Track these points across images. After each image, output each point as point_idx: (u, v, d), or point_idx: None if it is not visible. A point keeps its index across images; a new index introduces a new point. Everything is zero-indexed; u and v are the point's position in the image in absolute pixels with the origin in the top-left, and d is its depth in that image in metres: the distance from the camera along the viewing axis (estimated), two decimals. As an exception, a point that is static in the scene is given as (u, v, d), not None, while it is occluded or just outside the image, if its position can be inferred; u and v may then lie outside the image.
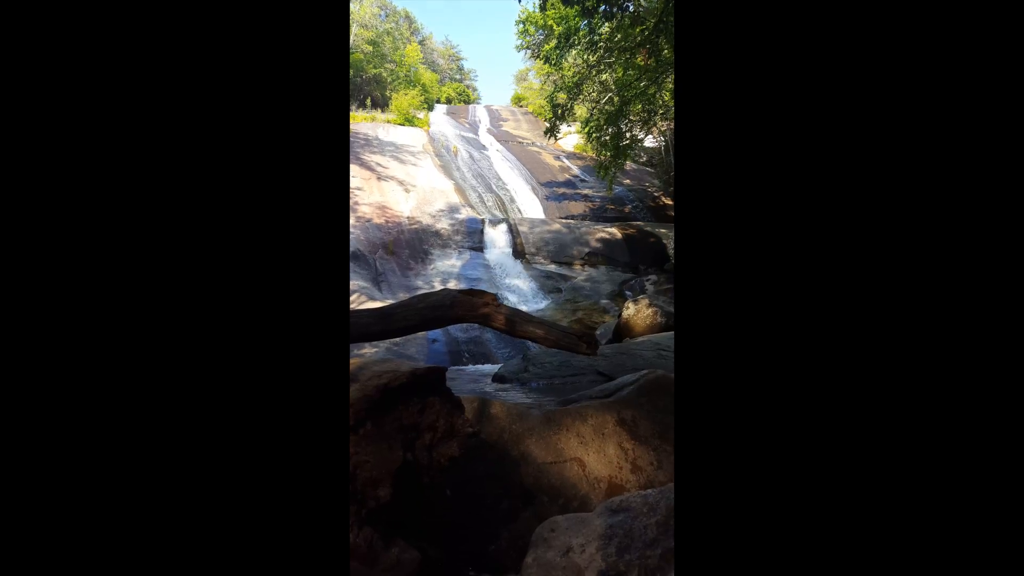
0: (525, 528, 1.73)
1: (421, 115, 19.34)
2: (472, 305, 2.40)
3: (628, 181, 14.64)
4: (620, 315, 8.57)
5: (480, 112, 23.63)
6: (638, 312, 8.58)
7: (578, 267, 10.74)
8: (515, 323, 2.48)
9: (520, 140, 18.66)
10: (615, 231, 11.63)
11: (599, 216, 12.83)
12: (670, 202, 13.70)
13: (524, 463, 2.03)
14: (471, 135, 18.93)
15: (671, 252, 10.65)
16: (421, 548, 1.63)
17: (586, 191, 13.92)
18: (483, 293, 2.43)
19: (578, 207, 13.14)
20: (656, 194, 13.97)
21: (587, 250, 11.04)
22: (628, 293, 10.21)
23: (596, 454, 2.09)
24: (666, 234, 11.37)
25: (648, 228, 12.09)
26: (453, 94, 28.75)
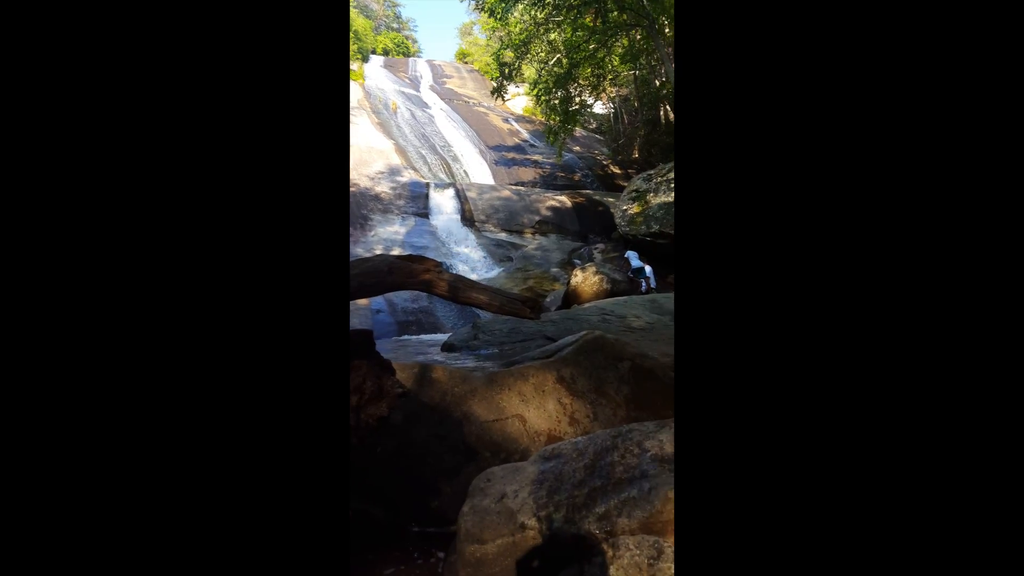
0: (467, 483, 1.80)
1: (354, 67, 17.90)
2: (411, 271, 2.36)
3: (578, 148, 14.70)
4: (568, 283, 8.81)
5: (421, 67, 22.24)
6: (585, 280, 8.85)
7: (528, 235, 10.80)
8: (458, 289, 2.48)
9: (466, 99, 17.98)
10: (565, 199, 11.76)
11: (549, 184, 12.87)
12: (619, 171, 13.97)
13: (467, 422, 2.09)
14: (412, 91, 17.90)
15: (618, 221, 10.94)
16: (363, 510, 1.66)
17: (536, 157, 13.84)
18: (423, 259, 2.40)
19: (528, 173, 13.08)
20: (605, 162, 14.17)
21: (537, 218, 11.11)
22: (577, 261, 10.47)
23: (536, 410, 2.18)
24: (613, 203, 11.63)
25: (597, 197, 12.31)
26: (390, 45, 26.78)
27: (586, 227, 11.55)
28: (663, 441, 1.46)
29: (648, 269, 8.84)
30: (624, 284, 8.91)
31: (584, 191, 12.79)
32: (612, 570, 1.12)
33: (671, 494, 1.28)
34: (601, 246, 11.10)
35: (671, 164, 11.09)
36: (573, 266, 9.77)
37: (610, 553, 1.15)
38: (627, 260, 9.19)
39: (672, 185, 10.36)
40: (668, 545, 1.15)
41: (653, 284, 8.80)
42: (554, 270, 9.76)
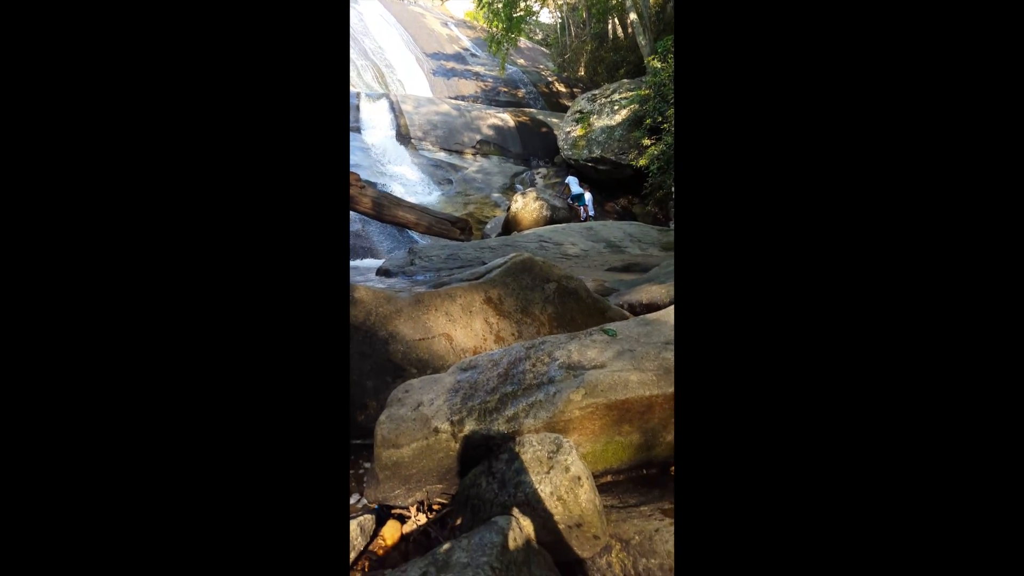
0: (392, 397, 1.86)
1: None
2: (328, 186, 2.18)
3: (522, 61, 13.73)
4: (509, 209, 8.70)
5: (349, -46, 18.95)
6: (526, 206, 8.79)
7: (469, 156, 10.31)
8: (383, 207, 2.35)
9: (400, -3, 15.81)
10: (508, 118, 11.18)
11: (491, 99, 12.09)
12: (563, 88, 13.37)
13: (393, 341, 2.10)
14: (340, -16, 15.36)
15: (561, 144, 10.70)
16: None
17: (477, 68, 12.78)
18: (341, 173, 2.21)
19: (469, 86, 12.13)
20: (550, 79, 13.44)
21: (479, 137, 10.55)
22: (519, 187, 10.29)
23: (464, 329, 2.24)
24: (557, 124, 11.28)
25: (541, 117, 11.83)
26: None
27: (529, 149, 11.21)
28: (571, 351, 1.57)
29: (588, 196, 8.92)
30: (564, 211, 8.99)
31: (528, 110, 12.21)
32: (516, 463, 1.25)
33: (573, 396, 1.40)
34: (543, 171, 10.91)
35: (616, 84, 10.76)
36: (515, 191, 9.61)
37: (516, 449, 1.26)
38: (567, 186, 9.18)
39: (615, 107, 10.16)
40: (567, 441, 1.29)
41: (592, 212, 8.95)
42: (495, 195, 9.55)
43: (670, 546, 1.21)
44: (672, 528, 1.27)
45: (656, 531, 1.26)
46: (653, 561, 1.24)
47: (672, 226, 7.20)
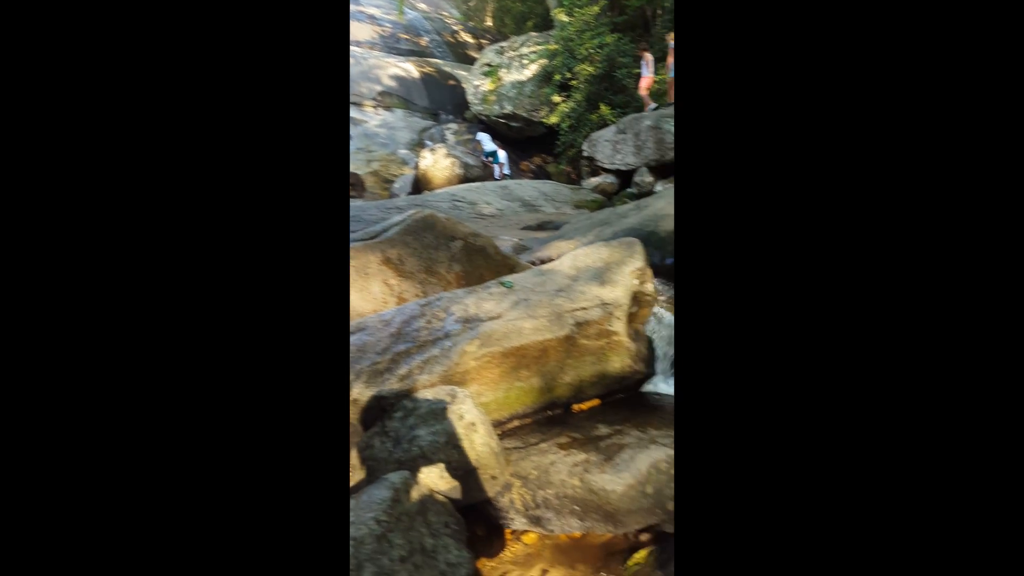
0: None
1: None
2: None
3: (424, 7, 12.73)
4: (418, 166, 8.29)
5: None
6: (436, 163, 8.43)
7: (370, 109, 9.53)
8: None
9: (278, -79, 13.56)
10: (411, 68, 10.44)
11: (391, 47, 11.14)
12: (470, 39, 12.72)
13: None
14: None
15: (471, 98, 10.29)
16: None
17: (372, 10, 11.61)
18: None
19: (364, 31, 11.01)
20: (455, 28, 12.68)
21: (379, 88, 9.76)
22: (428, 143, 9.78)
23: (359, 293, 2.12)
24: (466, 77, 10.78)
25: (448, 68, 11.21)
26: None
27: (436, 103, 10.64)
28: (468, 305, 1.56)
29: (502, 154, 8.79)
30: (478, 169, 8.78)
31: (433, 60, 11.47)
32: (411, 419, 1.23)
33: (468, 347, 1.40)
34: (454, 126, 10.48)
35: (524, 37, 10.48)
36: (423, 147, 9.14)
37: (409, 406, 1.24)
38: (479, 143, 8.94)
39: (524, 62, 9.94)
40: (461, 391, 1.29)
41: (507, 171, 8.87)
42: (402, 151, 9.03)
43: (563, 475, 1.31)
44: (566, 458, 1.37)
45: (551, 464, 1.35)
46: (549, 491, 1.33)
47: (584, 184, 7.40)
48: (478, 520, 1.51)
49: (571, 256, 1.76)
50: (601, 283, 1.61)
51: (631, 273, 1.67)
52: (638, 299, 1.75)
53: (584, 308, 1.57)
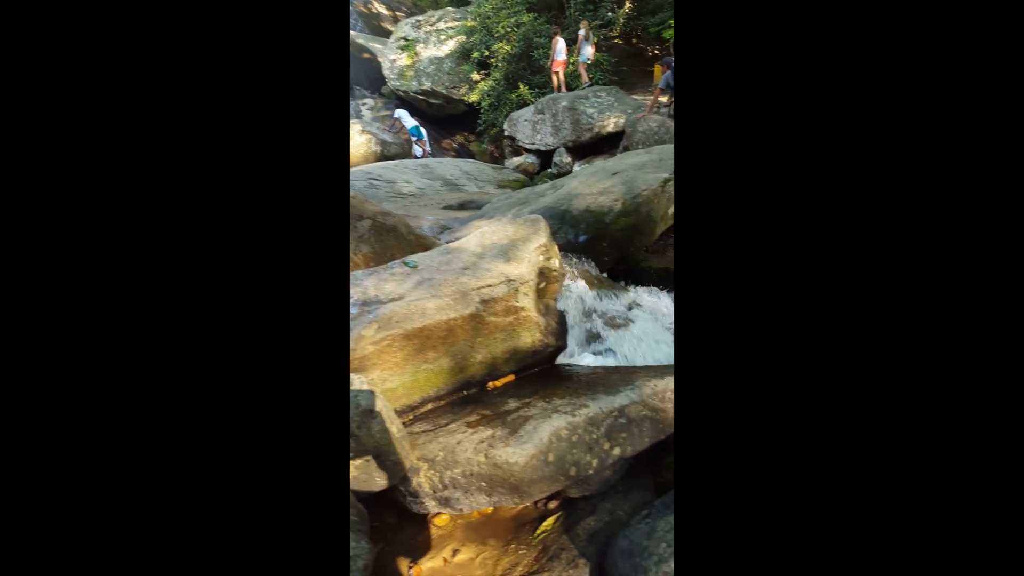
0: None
1: None
2: None
3: (332, -30, 11.68)
4: (332, 144, 7.72)
5: None
6: (351, 140, 7.92)
7: (272, 81, 8.65)
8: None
9: None
10: (319, 38, 9.58)
11: (296, 14, 10.12)
12: (385, 10, 11.96)
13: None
14: None
15: (387, 73, 9.74)
16: None
17: (274, -28, 10.43)
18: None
19: (264, -5, 9.88)
20: (368, -4, 11.83)
21: (283, 60, 8.86)
22: (342, 119, 9.09)
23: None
24: (382, 51, 10.17)
25: (362, 41, 10.47)
26: None
27: (351, 77, 9.94)
28: (368, 286, 1.47)
29: (422, 131, 8.47)
30: (396, 147, 8.39)
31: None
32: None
33: (364, 332, 1.32)
34: (370, 102, 9.89)
35: (440, 12, 10.06)
36: (337, 125, 8.49)
37: (298, 397, 1.14)
38: (398, 120, 8.54)
39: (442, 37, 9.57)
40: (357, 377, 1.22)
41: (428, 148, 8.58)
42: (313, 129, 8.34)
43: (469, 453, 1.30)
44: (473, 436, 1.36)
45: (458, 443, 1.34)
46: (456, 471, 1.32)
47: (507, 164, 7.38)
48: (389, 507, 1.46)
49: (477, 234, 1.73)
50: (507, 260, 1.60)
51: (536, 249, 1.68)
52: (545, 275, 1.77)
53: (490, 285, 1.55)
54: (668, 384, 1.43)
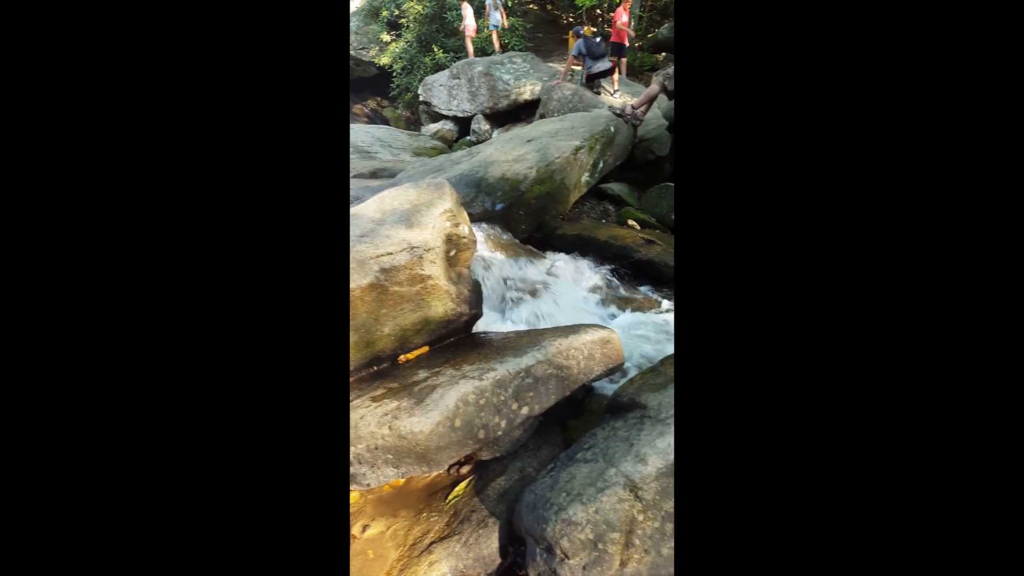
0: None
1: None
2: None
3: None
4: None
5: None
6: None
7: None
8: None
9: None
10: None
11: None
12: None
13: None
14: None
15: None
16: None
17: None
18: None
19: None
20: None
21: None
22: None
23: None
24: None
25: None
26: None
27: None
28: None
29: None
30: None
31: None
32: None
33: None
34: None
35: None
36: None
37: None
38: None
39: None
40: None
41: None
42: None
43: (372, 427, 1.25)
44: (377, 409, 1.31)
45: (361, 419, 1.27)
46: (360, 446, 1.26)
47: (424, 131, 7.05)
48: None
49: (376, 199, 1.62)
50: (408, 226, 1.52)
51: (441, 215, 1.61)
52: (454, 241, 1.71)
53: (390, 253, 1.46)
54: (571, 342, 1.48)
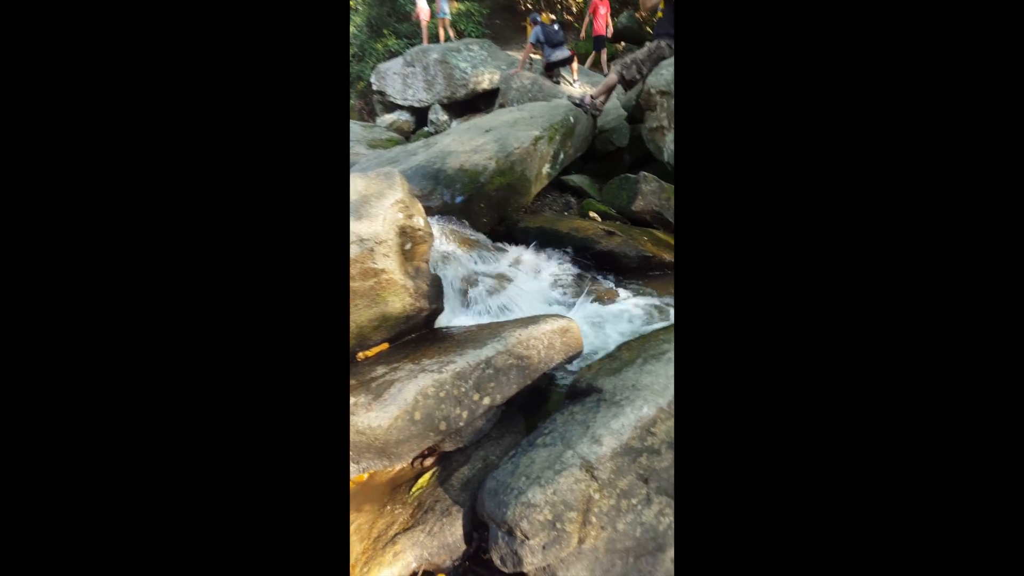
0: None
1: None
2: None
3: None
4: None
5: None
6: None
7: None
8: None
9: None
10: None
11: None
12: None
13: None
14: None
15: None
16: None
17: None
18: None
19: None
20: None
21: None
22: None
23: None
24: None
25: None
26: None
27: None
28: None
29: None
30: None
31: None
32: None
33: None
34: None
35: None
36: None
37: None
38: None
39: None
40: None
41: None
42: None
43: (330, 427, 1.23)
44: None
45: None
46: (319, 447, 1.25)
47: (379, 122, 6.83)
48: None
49: (326, 192, 1.56)
50: (357, 218, 1.49)
51: (393, 206, 1.58)
52: (408, 234, 1.69)
53: (343, 248, 1.42)
54: (532, 332, 1.50)
